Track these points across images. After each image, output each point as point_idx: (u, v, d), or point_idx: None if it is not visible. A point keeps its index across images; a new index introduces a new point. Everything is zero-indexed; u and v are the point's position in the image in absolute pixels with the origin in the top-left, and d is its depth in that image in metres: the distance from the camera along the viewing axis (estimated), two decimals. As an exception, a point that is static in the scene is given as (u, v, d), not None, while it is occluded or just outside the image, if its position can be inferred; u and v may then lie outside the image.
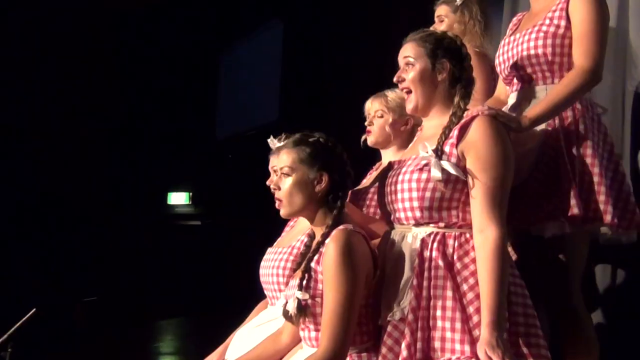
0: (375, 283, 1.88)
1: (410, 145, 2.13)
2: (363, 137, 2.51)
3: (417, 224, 1.86)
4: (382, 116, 2.46)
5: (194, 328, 6.42)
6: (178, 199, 8.46)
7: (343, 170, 1.95)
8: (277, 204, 1.95)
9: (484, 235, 1.75)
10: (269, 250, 2.34)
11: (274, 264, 2.24)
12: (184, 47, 7.95)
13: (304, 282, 1.86)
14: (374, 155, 2.55)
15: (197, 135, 8.03)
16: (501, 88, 2.37)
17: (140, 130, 8.08)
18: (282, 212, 1.94)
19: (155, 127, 8.03)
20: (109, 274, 7.10)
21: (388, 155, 2.41)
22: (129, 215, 7.60)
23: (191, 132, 8.02)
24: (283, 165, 1.93)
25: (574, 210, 1.99)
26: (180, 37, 7.90)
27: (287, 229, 2.49)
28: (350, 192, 2.16)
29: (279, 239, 2.44)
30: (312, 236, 2.00)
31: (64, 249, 7.01)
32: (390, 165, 2.03)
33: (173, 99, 7.97)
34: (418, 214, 1.84)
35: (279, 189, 1.93)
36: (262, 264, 2.32)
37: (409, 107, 1.97)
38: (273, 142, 2.40)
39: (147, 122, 8.09)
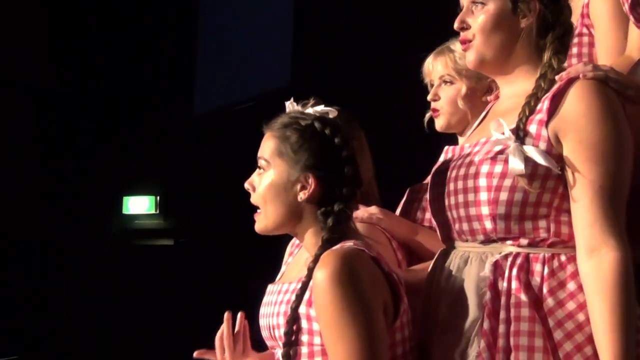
0: (419, 326, 1.89)
1: (477, 122, 2.14)
2: (427, 116, 2.52)
3: (488, 240, 1.90)
4: (451, 82, 2.46)
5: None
6: (139, 205, 8.49)
7: (341, 171, 1.96)
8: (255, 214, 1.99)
9: (598, 256, 1.77)
10: (270, 288, 2.37)
11: (276, 310, 2.25)
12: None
13: (286, 337, 1.92)
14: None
15: (165, 110, 8.04)
16: (634, 39, 2.37)
17: (79, 104, 8.12)
18: (256, 227, 2.00)
19: (103, 98, 8.06)
20: (34, 324, 7.15)
21: None
22: (66, 233, 7.64)
23: (157, 105, 8.04)
24: (260, 155, 1.98)
25: None
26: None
27: (293, 250, 2.50)
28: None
29: (285, 269, 2.46)
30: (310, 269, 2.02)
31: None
32: (448, 154, 2.04)
33: (130, 57, 8.01)
34: (489, 225, 1.87)
35: (254, 189, 1.96)
36: (262, 309, 2.34)
37: (469, 58, 2.00)
38: (293, 108, 2.40)
39: (90, 89, 8.13)
